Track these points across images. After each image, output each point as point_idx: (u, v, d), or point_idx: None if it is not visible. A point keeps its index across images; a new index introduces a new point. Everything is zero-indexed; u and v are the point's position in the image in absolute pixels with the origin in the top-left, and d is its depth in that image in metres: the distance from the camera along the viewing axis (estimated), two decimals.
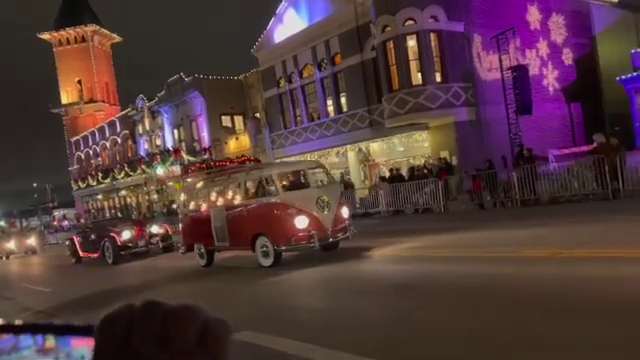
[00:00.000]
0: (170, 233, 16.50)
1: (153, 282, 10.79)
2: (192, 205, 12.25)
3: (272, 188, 9.97)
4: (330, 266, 9.22)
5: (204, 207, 11.64)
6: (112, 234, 15.45)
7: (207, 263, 11.58)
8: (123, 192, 43.37)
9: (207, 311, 0.47)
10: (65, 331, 0.44)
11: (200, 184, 12.33)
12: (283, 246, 9.59)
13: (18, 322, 0.47)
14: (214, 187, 11.67)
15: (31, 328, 0.46)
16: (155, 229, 16.21)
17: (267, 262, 9.84)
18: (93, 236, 16.46)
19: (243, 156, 14.06)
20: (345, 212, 10.37)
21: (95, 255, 15.96)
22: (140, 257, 15.40)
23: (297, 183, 10.94)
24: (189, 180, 14.17)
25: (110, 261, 15.22)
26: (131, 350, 0.43)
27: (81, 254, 17.10)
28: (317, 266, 9.34)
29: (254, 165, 12.52)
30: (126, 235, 15.38)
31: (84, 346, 0.44)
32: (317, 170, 11.56)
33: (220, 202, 11.15)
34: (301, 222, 9.52)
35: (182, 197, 12.97)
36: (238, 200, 10.62)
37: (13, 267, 21.87)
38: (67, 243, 18.63)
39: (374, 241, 10.92)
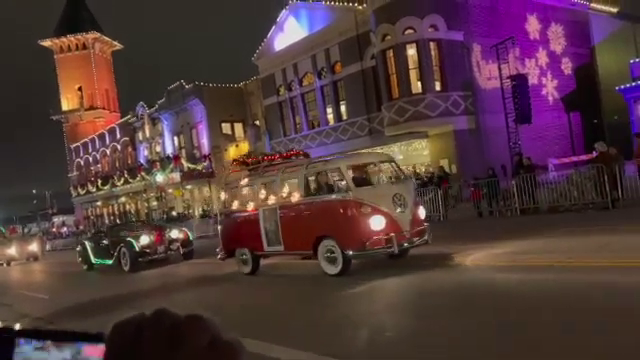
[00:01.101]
0: (191, 238, 15.45)
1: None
2: (235, 204, 10.71)
3: (342, 183, 8.68)
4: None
5: (251, 206, 10.12)
6: (129, 239, 14.32)
7: (252, 270, 10.27)
8: (122, 199, 43.40)
9: (218, 325, 0.47)
10: (76, 338, 0.46)
11: (245, 180, 10.63)
12: (355, 251, 8.22)
13: (28, 327, 0.48)
14: (263, 183, 10.21)
15: (40, 334, 0.47)
16: (175, 234, 15.02)
17: (333, 269, 8.48)
18: (107, 241, 15.33)
19: (292, 149, 12.10)
20: (422, 212, 9.04)
21: (109, 262, 14.97)
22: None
23: (364, 178, 9.42)
24: (230, 176, 12.26)
25: (127, 268, 14.08)
26: (141, 358, 0.44)
27: (93, 260, 16.08)
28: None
29: (313, 158, 10.43)
30: (144, 240, 14.18)
31: (95, 354, 0.44)
32: (384, 165, 9.89)
33: (272, 200, 9.66)
34: (377, 223, 8.12)
35: (223, 196, 11.62)
36: (296, 197, 9.17)
37: (17, 274, 21.73)
38: (78, 249, 17.46)
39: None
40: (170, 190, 35.78)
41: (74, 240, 40.99)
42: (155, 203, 38.57)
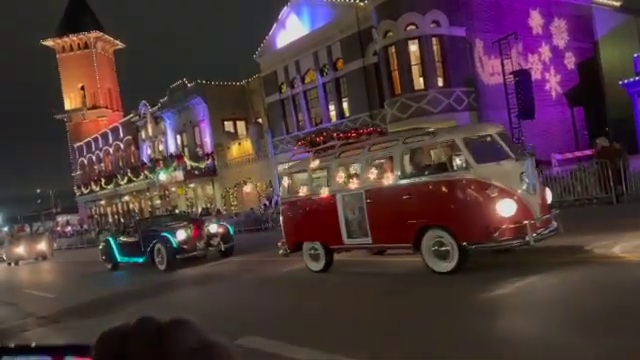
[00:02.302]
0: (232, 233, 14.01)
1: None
2: (303, 190, 9.25)
3: (459, 159, 6.98)
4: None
5: (325, 192, 8.67)
6: (165, 234, 12.85)
7: (324, 267, 8.88)
8: (126, 198, 43.51)
9: (203, 328, 0.47)
10: (62, 352, 0.46)
11: (316, 162, 9.07)
12: (478, 242, 6.76)
13: (12, 345, 0.48)
14: (342, 165, 8.68)
15: (27, 350, 0.47)
16: (214, 228, 13.55)
17: (444, 266, 7.04)
18: (137, 237, 13.89)
19: (367, 127, 10.12)
20: (549, 195, 7.54)
21: (140, 259, 13.66)
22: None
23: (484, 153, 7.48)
24: (294, 160, 10.53)
25: (162, 267, 12.67)
26: None
27: (119, 259, 14.80)
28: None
29: (409, 132, 8.45)
30: (181, 235, 12.69)
31: None
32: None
33: (355, 184, 8.22)
34: (507, 208, 6.66)
35: (286, 181, 9.90)
36: (391, 179, 7.66)
37: (26, 274, 21.70)
38: (100, 247, 16.09)
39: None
40: (173, 188, 35.85)
41: (79, 239, 41.16)
42: (158, 202, 38.64)
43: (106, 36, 53.93)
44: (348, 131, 10.40)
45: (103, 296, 10.26)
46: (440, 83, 20.87)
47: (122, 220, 43.51)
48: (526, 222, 6.58)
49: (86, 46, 52.30)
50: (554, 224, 7.15)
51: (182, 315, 0.47)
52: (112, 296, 10.17)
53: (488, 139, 7.41)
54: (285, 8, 27.85)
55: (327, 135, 10.19)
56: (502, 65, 20.96)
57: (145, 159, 39.05)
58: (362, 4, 23.49)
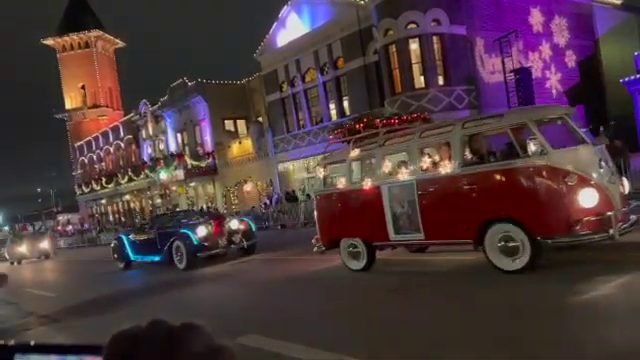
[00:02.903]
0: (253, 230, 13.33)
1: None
2: (341, 182, 8.53)
3: (533, 144, 6.22)
4: None
5: (367, 183, 7.97)
6: (184, 230, 12.21)
7: (366, 265, 8.15)
8: (127, 197, 43.54)
9: (211, 333, 0.48)
10: (75, 351, 0.47)
11: (357, 152, 8.35)
12: (556, 236, 6.03)
13: (29, 343, 0.50)
14: (387, 153, 7.96)
15: (39, 348, 0.48)
16: (235, 224, 12.82)
17: (513, 263, 6.31)
18: (153, 234, 13.21)
19: (413, 113, 9.34)
20: (626, 185, 6.90)
21: (157, 258, 13.05)
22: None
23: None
24: (331, 151, 9.85)
25: (182, 266, 12.01)
26: None
27: (132, 257, 14.17)
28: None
29: (471, 116, 7.45)
30: (202, 232, 12.03)
31: None
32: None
33: (404, 174, 7.48)
34: (589, 197, 5.97)
35: (321, 173, 9.10)
36: (448, 168, 6.92)
37: (28, 273, 21.70)
38: (112, 245, 15.40)
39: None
40: (174, 187, 35.87)
41: (79, 238, 41.18)
42: (159, 200, 38.66)
43: (106, 35, 53.91)
44: (391, 117, 9.54)
45: (104, 294, 10.24)
46: (441, 81, 20.85)
47: (123, 219, 43.60)
48: (610, 213, 5.88)
49: (86, 45, 52.29)
50: (632, 217, 6.46)
51: (193, 320, 0.48)
52: (115, 295, 10.09)
53: (559, 121, 6.83)
54: (285, 7, 27.82)
55: (368, 122, 9.39)
56: (503, 63, 20.94)
57: (146, 158, 39.06)
58: (362, 2, 23.45)
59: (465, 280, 6.80)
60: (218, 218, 13.33)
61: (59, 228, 52.43)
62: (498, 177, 6.50)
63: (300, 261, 10.28)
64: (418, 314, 5.48)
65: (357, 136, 9.04)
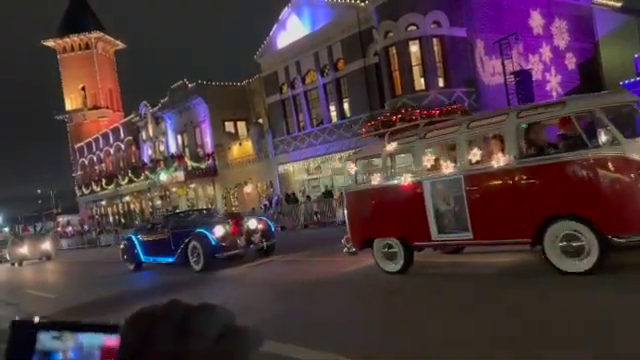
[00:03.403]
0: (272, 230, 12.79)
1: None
2: (376, 178, 7.99)
3: (604, 134, 5.73)
4: None
5: (407, 179, 7.44)
6: (201, 230, 11.66)
7: (403, 267, 7.59)
8: (127, 198, 43.55)
9: (231, 315, 0.47)
10: (94, 329, 0.47)
11: (393, 146, 7.75)
12: (631, 235, 5.51)
13: (47, 320, 0.49)
14: (429, 147, 7.47)
15: (59, 325, 0.48)
16: (253, 224, 12.24)
17: (578, 264, 5.80)
18: (167, 234, 12.71)
19: (453, 103, 8.94)
20: None
21: (170, 259, 12.54)
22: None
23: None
24: (364, 148, 9.23)
25: (198, 267, 11.49)
26: (151, 348, 0.44)
27: (143, 258, 13.68)
28: None
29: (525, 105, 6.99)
30: (219, 231, 11.49)
31: (112, 344, 0.45)
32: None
33: (449, 168, 6.98)
34: None
35: (353, 169, 8.46)
36: (501, 161, 6.34)
37: (30, 274, 21.63)
38: (121, 246, 14.88)
39: None
40: (174, 189, 35.88)
41: (79, 240, 41.19)
42: (159, 202, 38.67)
43: (107, 36, 53.98)
44: (431, 108, 8.83)
45: (106, 296, 10.18)
46: (441, 83, 20.87)
47: (123, 220, 43.60)
48: None
49: (87, 46, 52.36)
50: None
51: (210, 301, 0.48)
52: (118, 296, 10.01)
53: (627, 109, 6.30)
54: (286, 8, 27.86)
55: (407, 113, 8.72)
56: (503, 65, 20.95)
57: (146, 159, 39.08)
58: (363, 4, 23.49)
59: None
60: (236, 217, 12.75)
61: (59, 229, 52.44)
62: (562, 170, 5.85)
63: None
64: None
65: (394, 128, 8.36)
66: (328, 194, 24.31)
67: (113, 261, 14.99)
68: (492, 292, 5.90)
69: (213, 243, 11.29)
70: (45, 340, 0.46)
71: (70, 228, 50.94)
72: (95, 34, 52.15)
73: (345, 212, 8.67)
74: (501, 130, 6.50)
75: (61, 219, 60.85)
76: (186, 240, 11.83)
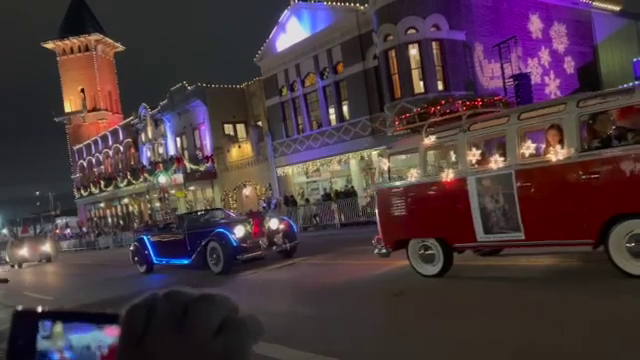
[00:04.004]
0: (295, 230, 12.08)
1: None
2: (412, 175, 7.46)
3: None
4: None
5: (449, 175, 6.91)
6: (221, 230, 10.96)
7: (441, 270, 7.12)
8: (125, 200, 43.49)
9: (233, 304, 0.46)
10: (95, 319, 0.47)
11: (432, 139, 7.22)
12: None
13: (50, 309, 0.49)
14: (474, 140, 6.85)
15: (61, 315, 0.48)
16: (275, 224, 11.57)
17: None
18: (182, 234, 12.06)
19: (494, 96, 8.17)
20: None
21: (185, 261, 11.88)
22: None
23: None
24: (398, 142, 8.68)
25: (217, 269, 10.79)
26: (150, 338, 0.44)
27: (155, 260, 13.00)
28: None
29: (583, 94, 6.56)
30: (240, 231, 10.81)
31: (113, 334, 0.44)
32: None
33: (498, 163, 6.41)
34: None
35: (385, 165, 7.95)
36: (559, 155, 5.81)
37: (30, 276, 21.55)
38: (131, 248, 14.15)
39: None
40: (173, 191, 35.83)
41: (77, 242, 41.13)
42: (158, 204, 38.63)
43: (107, 39, 54.02)
44: (474, 99, 8.10)
45: (107, 298, 10.02)
46: (440, 87, 20.89)
47: (121, 223, 43.53)
48: None
49: (87, 49, 52.38)
50: None
51: (210, 291, 0.46)
52: (121, 298, 9.78)
53: None
54: (286, 11, 27.90)
55: (447, 103, 8.03)
56: (502, 69, 21.00)
57: (145, 161, 39.06)
58: (363, 8, 23.54)
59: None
60: (257, 216, 11.97)
61: (57, 231, 52.36)
62: (632, 165, 5.30)
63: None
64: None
65: (432, 120, 7.79)
66: (334, 195, 24.32)
67: (120, 263, 14.65)
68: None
69: (234, 244, 10.62)
70: (48, 330, 0.47)
71: (68, 230, 50.87)
72: (95, 36, 52.19)
73: (376, 211, 8.07)
74: (560, 121, 5.92)
75: (60, 221, 60.78)
76: (204, 241, 11.13)
